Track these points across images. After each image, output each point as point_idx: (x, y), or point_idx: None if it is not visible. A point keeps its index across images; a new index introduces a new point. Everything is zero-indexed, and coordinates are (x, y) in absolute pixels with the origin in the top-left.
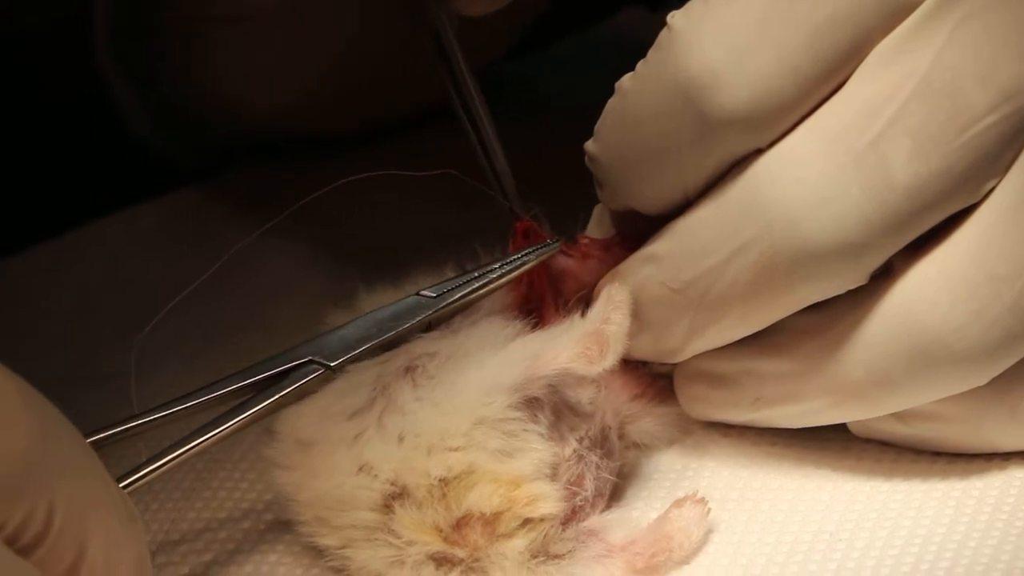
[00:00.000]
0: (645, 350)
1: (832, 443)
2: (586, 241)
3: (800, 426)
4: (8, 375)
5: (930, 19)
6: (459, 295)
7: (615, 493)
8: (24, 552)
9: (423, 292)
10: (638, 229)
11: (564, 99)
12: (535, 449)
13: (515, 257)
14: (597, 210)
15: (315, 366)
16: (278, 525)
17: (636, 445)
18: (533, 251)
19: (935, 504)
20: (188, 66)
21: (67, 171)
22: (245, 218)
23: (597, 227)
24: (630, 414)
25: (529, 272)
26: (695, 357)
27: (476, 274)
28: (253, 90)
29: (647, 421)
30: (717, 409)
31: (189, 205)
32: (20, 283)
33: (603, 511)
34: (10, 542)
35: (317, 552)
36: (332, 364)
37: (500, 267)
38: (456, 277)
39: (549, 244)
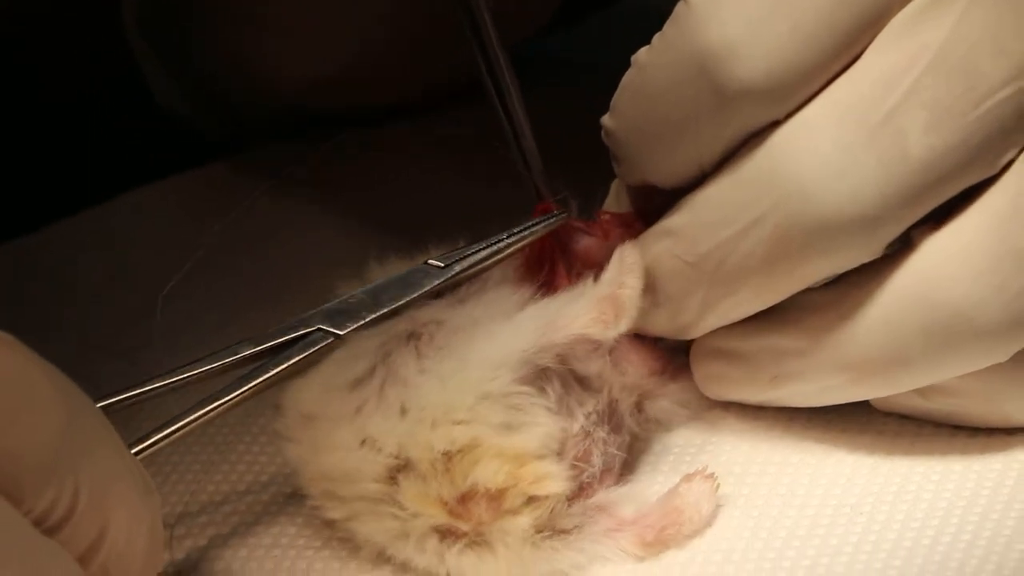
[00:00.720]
0: (662, 325)
1: (852, 416)
2: (606, 217)
3: (818, 404)
4: (34, 359)
5: None
6: (467, 264)
7: (632, 468)
8: (50, 532)
9: (431, 261)
10: (655, 205)
11: (588, 75)
12: (541, 424)
13: (523, 228)
14: (615, 186)
15: (323, 334)
16: (297, 498)
17: (654, 421)
18: (541, 222)
19: (955, 478)
20: (219, 38)
21: (66, 170)
22: (267, 193)
23: (615, 203)
24: (648, 391)
25: (539, 244)
26: (711, 334)
27: (484, 244)
28: (285, 64)
29: (665, 398)
30: (734, 387)
31: (213, 179)
32: (43, 257)
33: (614, 486)
34: (36, 524)
35: (335, 526)
36: (341, 333)
37: (508, 237)
38: (465, 247)
39: (557, 215)
